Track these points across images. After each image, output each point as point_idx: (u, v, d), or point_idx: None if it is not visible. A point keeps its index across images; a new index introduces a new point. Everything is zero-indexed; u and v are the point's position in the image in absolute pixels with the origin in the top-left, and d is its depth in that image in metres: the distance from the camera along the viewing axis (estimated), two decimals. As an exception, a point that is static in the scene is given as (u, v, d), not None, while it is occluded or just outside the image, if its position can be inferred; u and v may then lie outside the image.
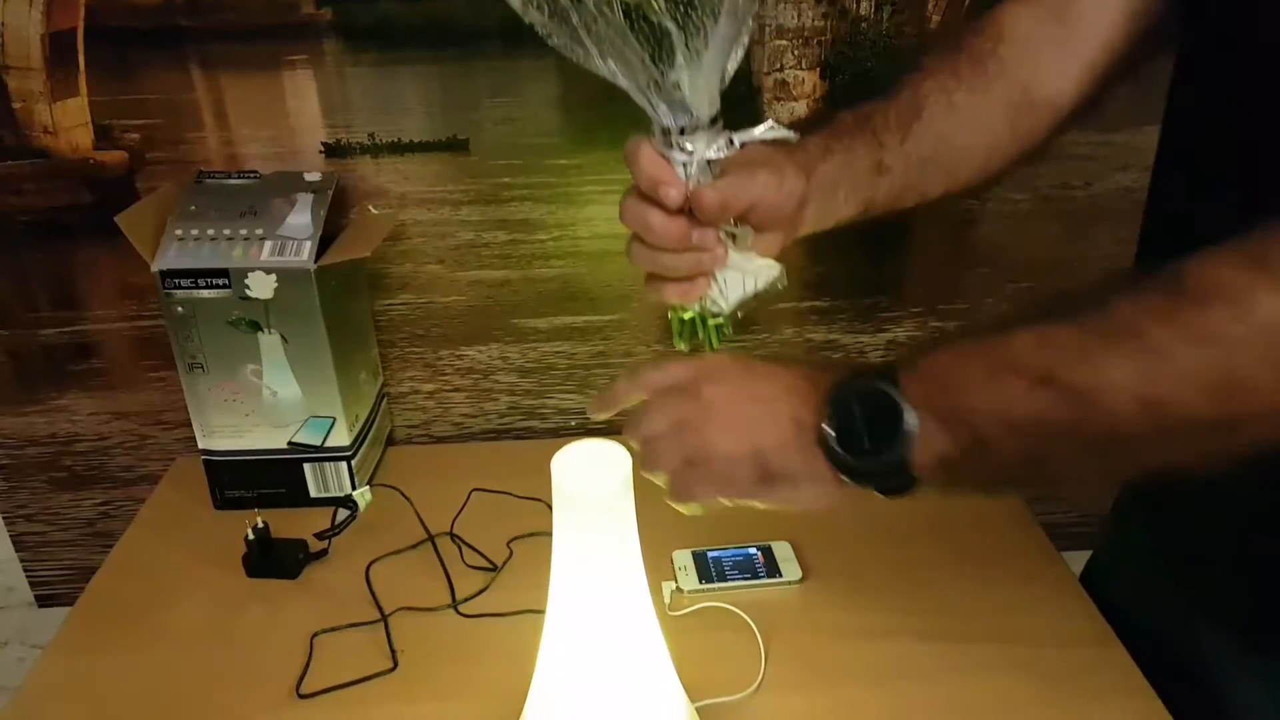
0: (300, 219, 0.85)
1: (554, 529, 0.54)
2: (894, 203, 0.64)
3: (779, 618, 0.76)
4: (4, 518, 1.11)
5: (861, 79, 0.91)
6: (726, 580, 0.80)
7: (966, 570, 0.81)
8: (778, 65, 0.90)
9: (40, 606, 1.17)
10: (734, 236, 0.57)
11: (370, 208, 0.94)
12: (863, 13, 0.89)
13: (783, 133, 0.55)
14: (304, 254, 0.83)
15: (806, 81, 0.91)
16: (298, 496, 0.92)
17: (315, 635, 0.76)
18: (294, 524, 0.87)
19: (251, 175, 0.90)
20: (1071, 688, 0.69)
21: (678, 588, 0.79)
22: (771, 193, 0.55)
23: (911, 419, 0.48)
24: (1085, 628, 0.74)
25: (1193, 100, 0.61)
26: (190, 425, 0.91)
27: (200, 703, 0.71)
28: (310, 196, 0.87)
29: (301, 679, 0.72)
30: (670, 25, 0.48)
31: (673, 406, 0.54)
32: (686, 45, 0.49)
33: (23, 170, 0.93)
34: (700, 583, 0.80)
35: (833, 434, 0.50)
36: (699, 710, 0.65)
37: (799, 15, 0.88)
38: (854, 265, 1.01)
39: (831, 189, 0.60)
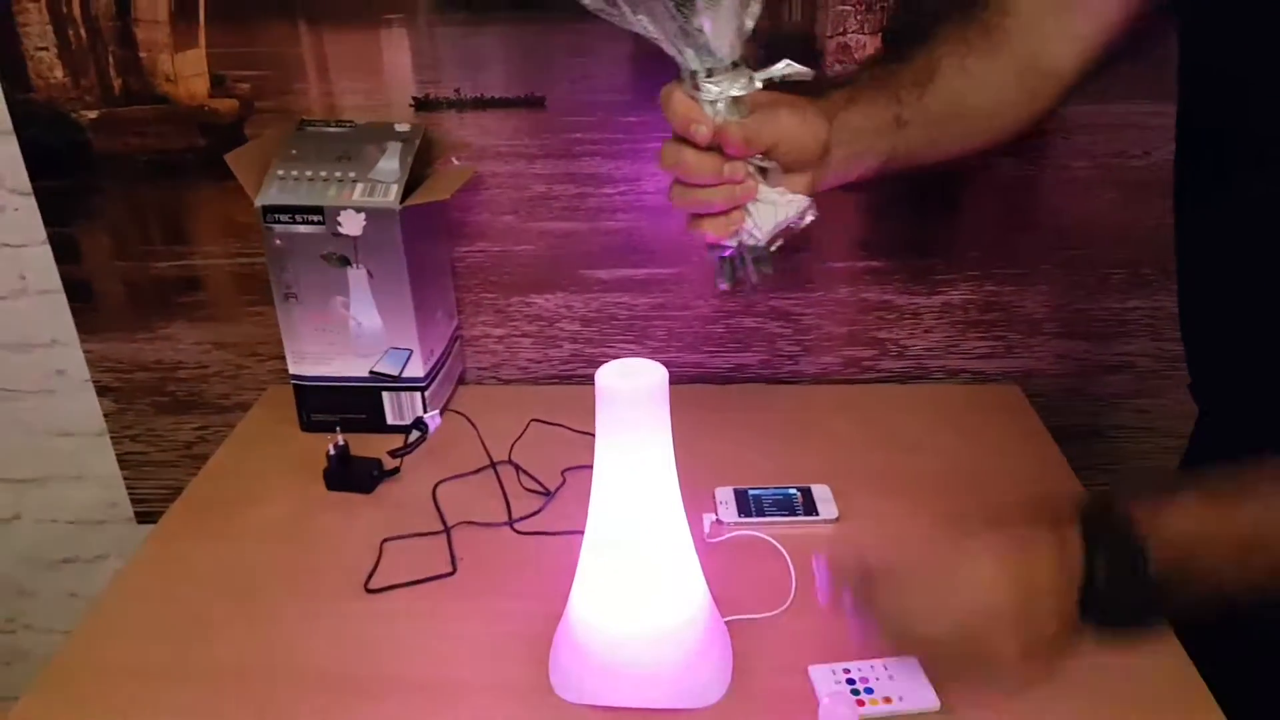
0: (389, 164, 0.93)
1: (596, 428, 0.59)
2: (913, 157, 0.69)
3: (813, 550, 0.80)
4: (112, 437, 1.22)
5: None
6: (765, 515, 0.84)
7: (1003, 519, 0.83)
8: (840, 29, 0.93)
9: (139, 523, 1.28)
10: (764, 171, 0.61)
11: (453, 159, 1.01)
12: (925, -23, 0.92)
13: (799, 69, 0.60)
14: (391, 196, 0.91)
15: (868, 46, 0.94)
16: (376, 422, 1.00)
17: (384, 541, 0.84)
18: (371, 447, 0.94)
19: (347, 124, 0.98)
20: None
21: (717, 519, 0.84)
22: (794, 129, 0.61)
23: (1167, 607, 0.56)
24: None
25: (1198, 76, 0.65)
26: (282, 358, 1.00)
27: (278, 590, 0.79)
28: (399, 145, 0.95)
29: (370, 576, 0.80)
30: None
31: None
32: None
33: (145, 114, 1.03)
34: (739, 516, 0.84)
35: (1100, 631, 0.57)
36: (729, 624, 0.70)
37: (863, -21, 0.92)
38: (910, 227, 1.04)
39: (854, 136, 0.65)
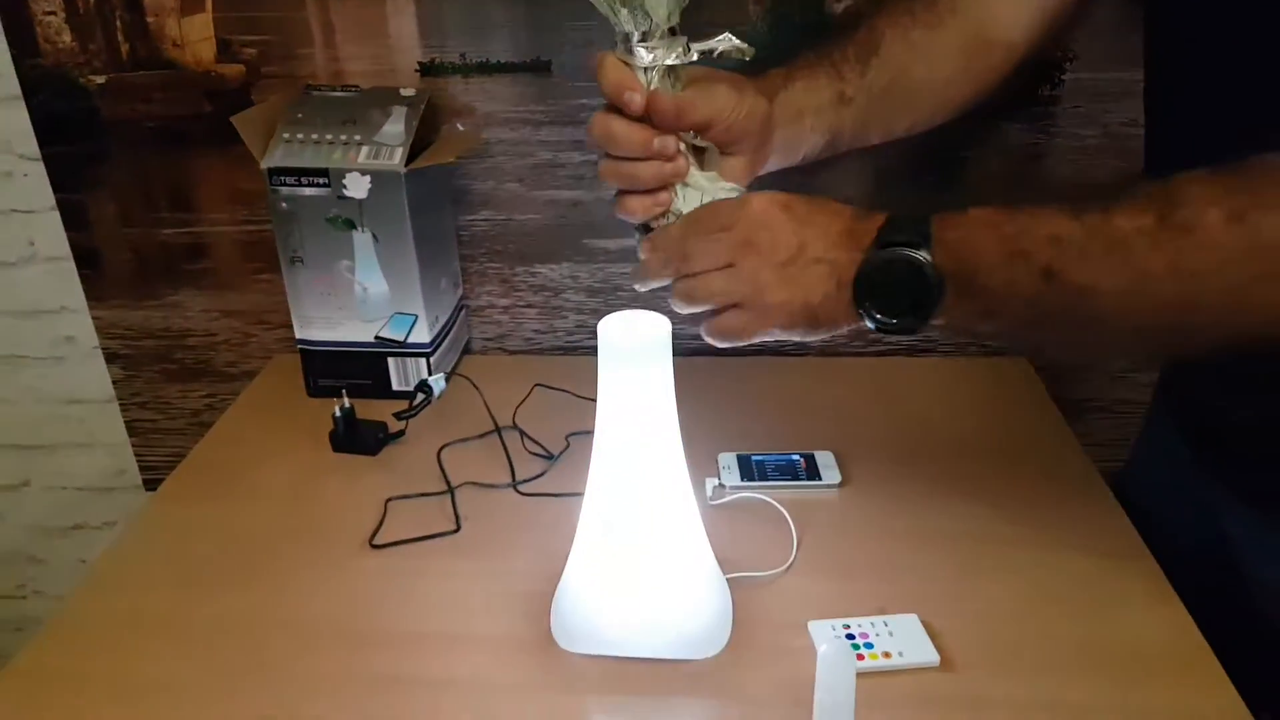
0: (395, 128, 0.93)
1: (599, 380, 0.59)
2: (859, 134, 0.68)
3: (814, 514, 0.80)
4: (120, 404, 1.23)
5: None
6: (768, 480, 0.84)
7: (1005, 487, 0.83)
8: (847, -8, 0.93)
9: (147, 490, 1.29)
10: (701, 153, 0.59)
11: (458, 125, 1.01)
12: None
13: (737, 43, 0.58)
14: (395, 159, 0.91)
15: (876, 10, 0.93)
16: (381, 388, 1.00)
17: (389, 500, 0.84)
18: (376, 412, 0.95)
19: (353, 89, 0.98)
20: (1098, 593, 0.71)
21: (720, 483, 0.84)
22: (730, 106, 0.59)
23: (939, 293, 0.55)
24: (1118, 540, 0.76)
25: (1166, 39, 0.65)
26: (288, 326, 1.00)
27: (284, 548, 0.79)
28: (404, 109, 0.95)
29: (375, 534, 0.80)
30: None
31: (723, 248, 0.58)
32: None
33: (152, 80, 1.03)
34: (742, 480, 0.84)
35: (874, 307, 0.57)
36: (729, 582, 0.70)
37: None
38: (920, 193, 1.03)
39: (796, 116, 0.64)
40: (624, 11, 0.54)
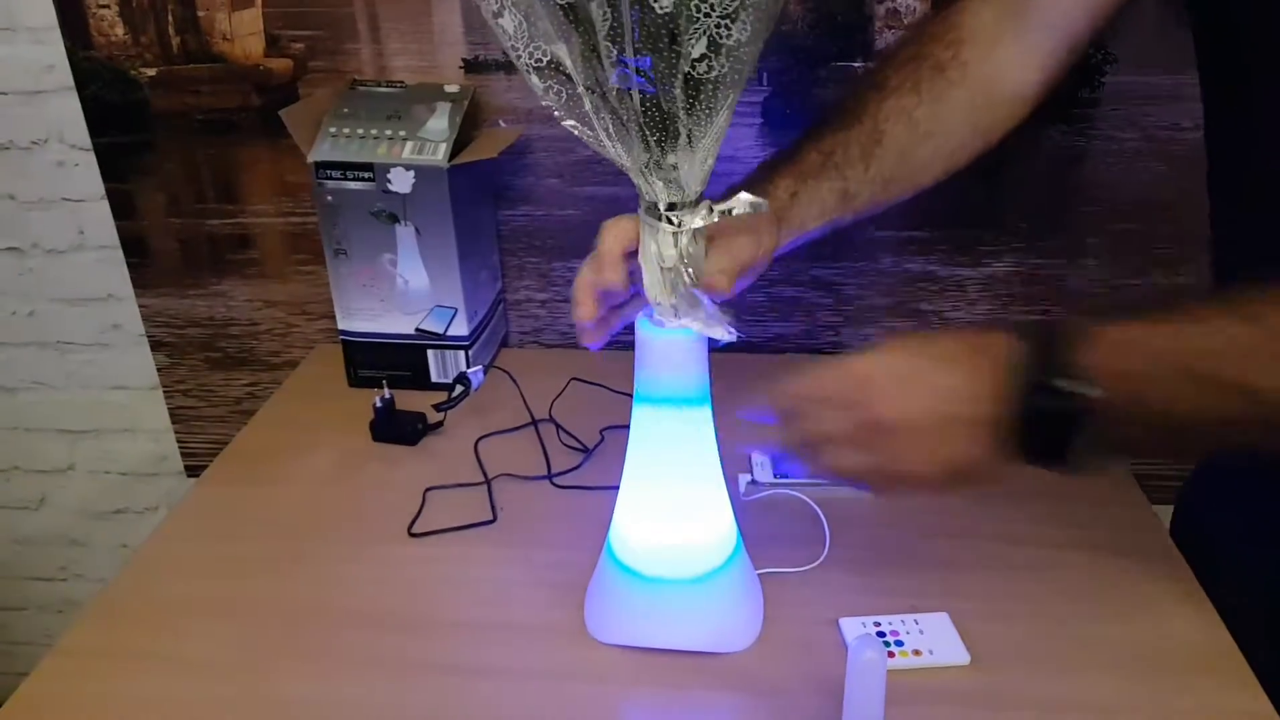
0: (439, 124, 0.94)
1: (635, 372, 0.60)
2: (860, 213, 0.69)
3: (848, 512, 0.80)
4: (164, 391, 1.25)
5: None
6: (800, 478, 0.85)
7: (1034, 485, 0.81)
8: (890, -7, 0.93)
9: (189, 476, 1.31)
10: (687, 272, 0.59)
11: (500, 121, 1.02)
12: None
13: (753, 200, 0.59)
14: (439, 154, 0.92)
15: (918, 10, 0.94)
16: (421, 379, 1.02)
17: (427, 490, 0.86)
18: (416, 403, 0.96)
19: (398, 84, 1.00)
20: (1128, 593, 0.71)
21: (753, 480, 0.85)
22: (750, 252, 0.61)
23: (1095, 427, 0.50)
24: (1151, 543, 0.77)
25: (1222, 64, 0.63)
26: (330, 317, 1.02)
27: (324, 534, 0.81)
28: (449, 105, 0.96)
29: (414, 522, 0.82)
30: (681, 113, 0.52)
31: (844, 417, 0.55)
32: (689, 133, 0.53)
33: (201, 73, 1.06)
34: (775, 476, 0.85)
35: (1034, 457, 0.52)
36: (761, 577, 0.71)
37: (915, -57, 0.91)
38: (955, 197, 1.03)
39: (800, 225, 0.66)
40: (659, 184, 0.55)
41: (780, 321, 1.12)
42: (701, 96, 0.52)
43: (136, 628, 0.72)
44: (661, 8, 0.47)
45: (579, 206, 1.08)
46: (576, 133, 0.56)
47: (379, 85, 1.00)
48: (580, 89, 0.53)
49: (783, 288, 1.10)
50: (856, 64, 0.97)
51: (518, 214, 1.09)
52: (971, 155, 0.70)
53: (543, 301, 1.14)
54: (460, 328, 1.00)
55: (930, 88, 0.68)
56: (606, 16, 0.49)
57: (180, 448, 1.30)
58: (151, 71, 1.06)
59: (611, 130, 0.54)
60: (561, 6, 0.50)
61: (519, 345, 1.16)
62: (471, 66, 1.02)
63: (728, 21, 0.48)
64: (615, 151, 0.55)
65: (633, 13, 0.48)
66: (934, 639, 0.66)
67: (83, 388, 1.27)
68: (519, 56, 0.53)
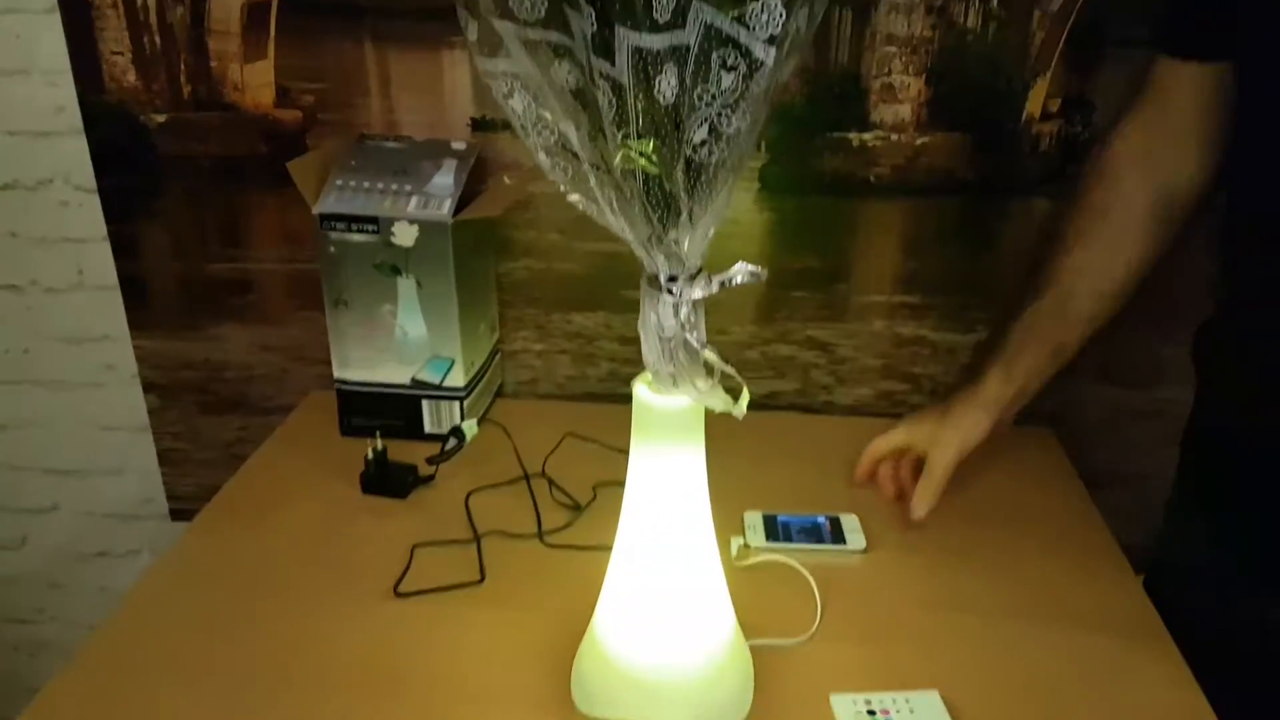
0: (444, 179, 0.95)
1: (632, 440, 0.60)
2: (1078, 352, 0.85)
3: (839, 579, 0.80)
4: (154, 433, 1.25)
5: (964, 87, 0.96)
6: (793, 541, 0.85)
7: (1028, 558, 0.84)
8: (885, 70, 0.96)
9: (173, 520, 1.30)
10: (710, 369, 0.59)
11: (505, 178, 1.04)
12: (969, 25, 0.94)
13: (753, 270, 0.59)
14: (444, 209, 0.93)
15: (912, 86, 0.96)
16: (414, 429, 1.02)
17: (415, 546, 0.85)
18: (408, 454, 0.96)
19: (406, 140, 1.01)
20: (1117, 674, 0.71)
21: (745, 544, 0.85)
22: (971, 447, 0.84)
23: None
24: (1138, 620, 0.76)
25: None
26: (326, 362, 1.02)
27: (311, 589, 0.80)
28: (454, 161, 0.97)
29: (400, 580, 0.81)
30: (682, 194, 0.53)
31: None
32: (690, 211, 0.54)
33: (212, 121, 1.07)
34: (767, 540, 0.85)
35: None
36: (752, 648, 0.70)
37: (908, 24, 0.94)
38: (947, 263, 1.05)
39: (1020, 396, 0.84)
40: (660, 257, 0.56)
41: (775, 379, 1.12)
42: (702, 178, 0.52)
43: (115, 687, 0.70)
44: (664, 99, 0.48)
45: (579, 261, 1.09)
46: (581, 207, 0.56)
47: (386, 140, 1.01)
48: (586, 166, 0.54)
49: (778, 345, 1.11)
50: (851, 134, 1.00)
51: (518, 266, 1.10)
52: (1155, 259, 0.81)
53: (539, 352, 1.14)
54: (456, 379, 1.00)
55: (1102, 232, 0.79)
56: (612, 104, 0.50)
57: (166, 490, 1.28)
58: (161, 118, 1.07)
59: (615, 205, 0.55)
60: (570, 91, 0.51)
61: (514, 395, 1.16)
62: (479, 124, 1.03)
63: (728, 111, 0.49)
64: (618, 225, 0.56)
65: (637, 101, 0.49)
66: (924, 717, 0.65)
67: (74, 426, 1.27)
68: (528, 136, 0.54)
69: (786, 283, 1.08)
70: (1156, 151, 0.78)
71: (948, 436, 0.83)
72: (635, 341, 1.09)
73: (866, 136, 0.99)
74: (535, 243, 1.08)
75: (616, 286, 1.09)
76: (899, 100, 0.97)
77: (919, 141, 0.99)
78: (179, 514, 1.29)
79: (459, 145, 1.00)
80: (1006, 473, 0.98)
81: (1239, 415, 0.74)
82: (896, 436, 0.89)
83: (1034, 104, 0.97)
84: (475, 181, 0.99)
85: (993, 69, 0.95)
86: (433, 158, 0.98)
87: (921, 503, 0.83)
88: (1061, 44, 0.94)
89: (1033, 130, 0.98)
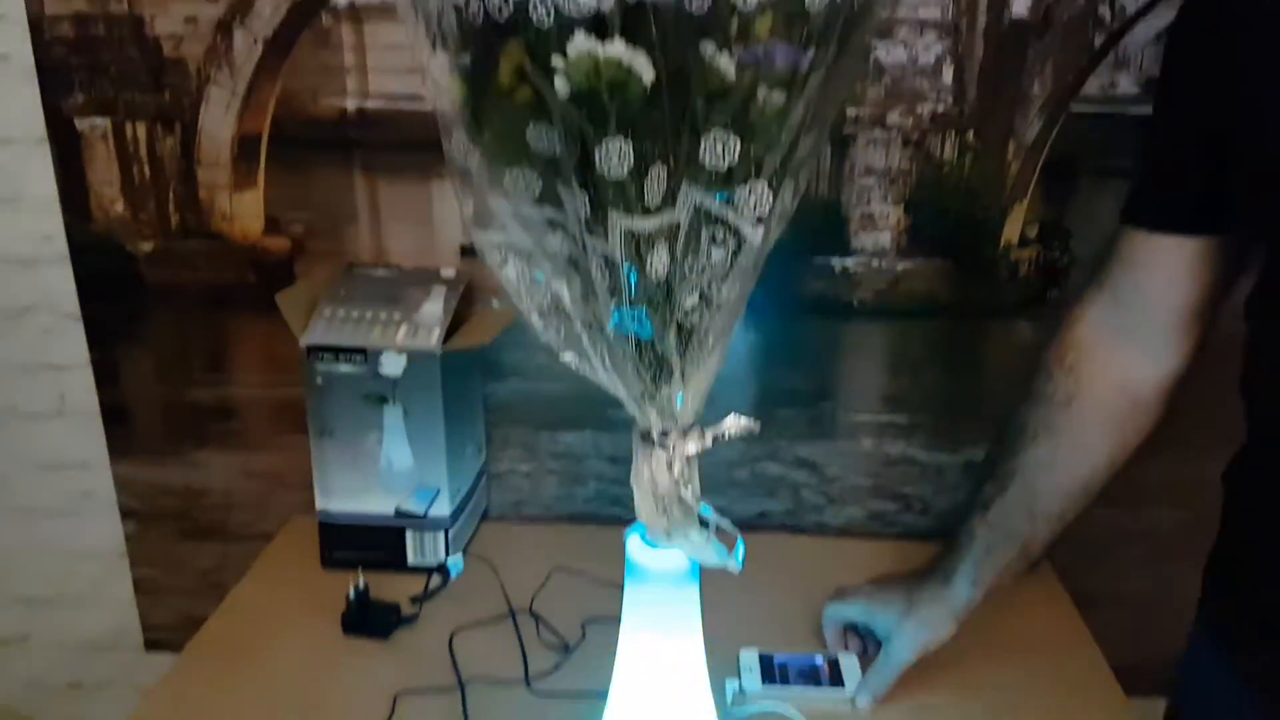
0: (433, 308, 0.95)
1: (624, 600, 0.59)
2: (1048, 546, 0.80)
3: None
4: (130, 561, 1.21)
5: (942, 215, 0.99)
6: (790, 684, 0.82)
7: (1023, 699, 0.82)
8: (865, 199, 0.98)
9: (148, 650, 1.26)
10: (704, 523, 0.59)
11: (494, 300, 1.04)
12: (945, 157, 0.96)
13: (746, 423, 0.59)
14: (432, 339, 0.93)
15: (891, 215, 0.98)
16: (398, 561, 0.99)
17: (398, 695, 0.82)
18: (391, 587, 0.94)
19: (394, 268, 1.02)
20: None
21: (741, 688, 0.82)
22: (942, 634, 0.79)
23: None
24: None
25: None
26: (308, 487, 1.00)
27: (292, 741, 0.77)
28: (444, 289, 0.97)
29: (383, 733, 0.78)
30: (674, 355, 0.53)
31: None
32: (682, 370, 0.54)
33: (200, 249, 1.07)
34: (763, 684, 0.82)
35: None
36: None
37: (886, 156, 0.96)
38: (931, 384, 1.05)
39: (987, 594, 0.79)
40: (653, 413, 0.56)
41: (765, 498, 1.11)
42: (694, 340, 0.52)
43: None
44: (656, 275, 0.49)
45: (567, 380, 1.06)
46: (574, 365, 0.56)
47: (375, 268, 1.02)
48: (579, 325, 0.54)
49: (767, 464, 1.10)
50: (834, 260, 1.01)
51: (504, 386, 1.09)
52: (1129, 454, 0.75)
53: (527, 473, 1.13)
54: (442, 508, 0.98)
55: (1065, 425, 0.74)
56: (605, 275, 0.50)
57: (142, 620, 1.24)
58: (148, 246, 1.07)
59: (608, 363, 0.55)
60: (563, 258, 0.51)
61: (500, 517, 1.14)
62: (468, 251, 1.04)
63: (718, 281, 0.49)
64: (611, 382, 0.56)
65: (629, 275, 0.50)
66: None
67: (47, 554, 1.23)
68: (521, 301, 0.54)
69: (775, 400, 1.07)
70: (1125, 337, 0.71)
71: (911, 630, 0.79)
72: (622, 462, 1.10)
73: (849, 262, 1.01)
74: (523, 363, 1.08)
75: (604, 406, 1.08)
76: (878, 228, 0.99)
77: (900, 267, 1.01)
78: (153, 644, 1.25)
79: (448, 273, 1.00)
80: (999, 596, 0.96)
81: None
82: (854, 610, 0.85)
83: (1011, 231, 0.99)
84: (465, 305, 0.99)
85: (970, 198, 0.98)
86: (422, 285, 0.98)
87: (870, 693, 0.80)
88: (1037, 173, 0.97)
89: (1011, 256, 1.00)
